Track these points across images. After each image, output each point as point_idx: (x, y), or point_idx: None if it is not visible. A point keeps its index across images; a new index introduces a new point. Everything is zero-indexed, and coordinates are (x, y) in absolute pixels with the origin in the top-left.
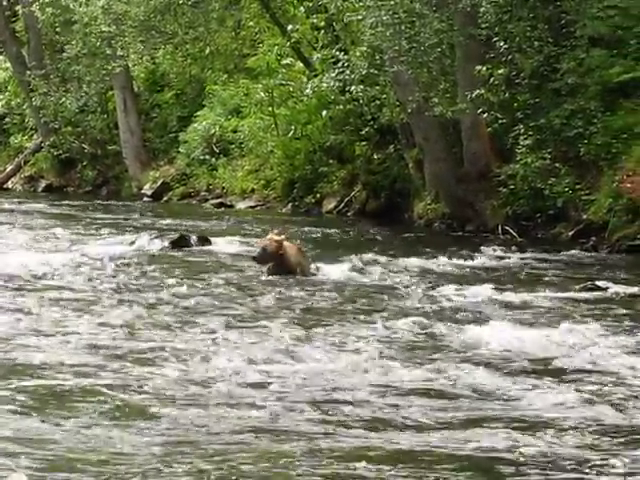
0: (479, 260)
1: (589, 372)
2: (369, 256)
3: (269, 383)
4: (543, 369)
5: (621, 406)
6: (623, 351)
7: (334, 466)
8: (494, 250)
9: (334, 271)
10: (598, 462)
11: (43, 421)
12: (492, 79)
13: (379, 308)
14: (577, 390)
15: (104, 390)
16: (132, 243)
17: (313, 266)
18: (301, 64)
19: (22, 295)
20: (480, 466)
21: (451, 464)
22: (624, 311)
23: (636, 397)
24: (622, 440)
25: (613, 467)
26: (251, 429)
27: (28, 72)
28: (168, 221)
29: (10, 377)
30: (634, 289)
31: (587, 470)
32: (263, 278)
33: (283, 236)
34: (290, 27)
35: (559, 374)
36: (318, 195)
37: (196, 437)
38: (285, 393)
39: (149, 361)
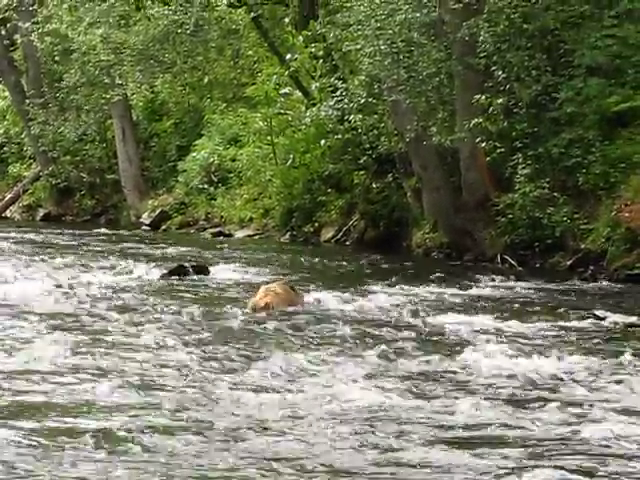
0: (477, 289)
1: (582, 403)
2: (367, 286)
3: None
4: (536, 398)
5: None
6: (620, 382)
7: None
8: (492, 279)
9: (332, 301)
10: None
11: None
12: (490, 108)
13: (374, 338)
14: (567, 420)
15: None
16: (130, 272)
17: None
18: (300, 93)
19: (12, 320)
20: None
21: None
22: (623, 341)
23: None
24: None
25: None
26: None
27: (27, 101)
28: (166, 250)
29: None
30: (633, 319)
31: None
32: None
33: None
34: (289, 56)
35: (551, 403)
36: (316, 224)
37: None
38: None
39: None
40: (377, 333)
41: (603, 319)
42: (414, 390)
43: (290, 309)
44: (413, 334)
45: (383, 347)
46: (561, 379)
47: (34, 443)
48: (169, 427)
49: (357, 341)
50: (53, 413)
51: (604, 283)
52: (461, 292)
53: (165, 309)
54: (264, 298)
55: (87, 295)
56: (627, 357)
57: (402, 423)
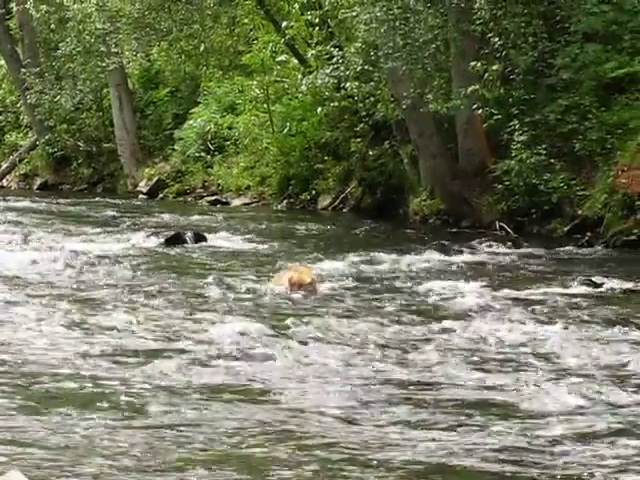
0: (474, 256)
1: (582, 368)
2: (365, 253)
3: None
4: (536, 364)
5: (611, 401)
6: (616, 347)
7: None
8: (489, 246)
9: (330, 268)
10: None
11: None
12: (487, 75)
13: (374, 305)
14: (567, 385)
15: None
16: (128, 240)
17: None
18: (296, 61)
19: (11, 290)
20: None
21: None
22: (619, 307)
23: (624, 390)
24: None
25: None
26: None
27: (23, 70)
28: (164, 218)
29: None
30: (629, 284)
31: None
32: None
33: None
34: (285, 24)
35: (551, 369)
36: (313, 192)
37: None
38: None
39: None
40: (372, 298)
41: (600, 285)
42: (399, 353)
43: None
44: (408, 300)
45: (377, 312)
46: (555, 345)
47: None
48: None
49: (353, 307)
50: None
51: (601, 249)
52: (458, 259)
53: (163, 277)
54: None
55: (84, 264)
56: (623, 323)
57: (376, 383)
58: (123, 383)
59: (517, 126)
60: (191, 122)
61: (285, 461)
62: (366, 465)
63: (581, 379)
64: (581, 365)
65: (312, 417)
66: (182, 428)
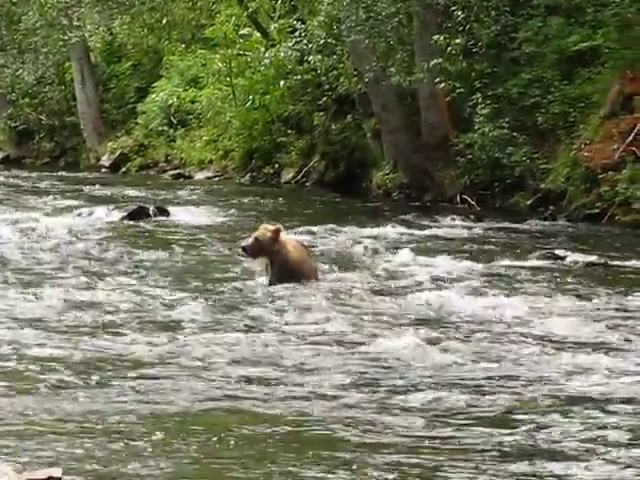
0: (436, 229)
1: (542, 338)
2: (326, 226)
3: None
4: (496, 335)
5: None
6: (577, 318)
7: None
8: (452, 219)
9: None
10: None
11: None
12: (449, 49)
13: (335, 278)
14: (526, 354)
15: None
16: (90, 214)
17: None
18: (259, 34)
19: None
20: None
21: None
22: (581, 279)
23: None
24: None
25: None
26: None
27: None
28: (126, 192)
29: None
30: (592, 257)
31: None
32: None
33: (280, 227)
34: None
35: (511, 339)
36: (276, 165)
37: None
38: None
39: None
40: (333, 271)
41: (563, 258)
42: (359, 324)
43: None
44: (369, 273)
45: (338, 285)
46: (517, 317)
47: None
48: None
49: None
50: None
51: (564, 222)
52: (420, 232)
53: (123, 251)
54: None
55: (46, 238)
56: (583, 295)
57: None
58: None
59: (480, 99)
60: (154, 96)
61: None
62: None
63: (535, 348)
64: (536, 335)
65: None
66: None
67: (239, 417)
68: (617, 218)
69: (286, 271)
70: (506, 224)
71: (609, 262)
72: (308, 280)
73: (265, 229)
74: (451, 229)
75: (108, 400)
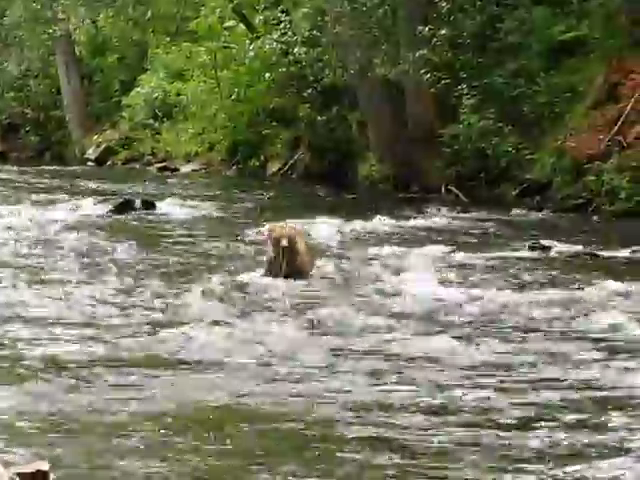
0: (424, 221)
1: (527, 330)
2: (313, 218)
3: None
4: (483, 327)
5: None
6: (562, 309)
7: None
8: (439, 210)
9: None
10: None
11: None
12: (434, 40)
13: (320, 271)
14: (514, 346)
15: None
16: (76, 208)
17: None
18: (243, 26)
19: None
20: None
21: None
22: (567, 270)
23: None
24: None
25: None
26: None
27: None
28: (112, 185)
29: None
30: (578, 248)
31: None
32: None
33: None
34: None
35: (497, 331)
36: (262, 158)
37: None
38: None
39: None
40: (321, 264)
41: (549, 249)
42: (348, 314)
43: None
44: (356, 265)
45: (326, 276)
46: (503, 307)
47: None
48: None
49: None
50: None
51: (550, 213)
52: (407, 223)
53: (110, 244)
54: None
55: (30, 232)
56: (569, 285)
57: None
58: None
59: (465, 90)
60: (139, 89)
61: None
62: None
63: (519, 338)
64: (520, 326)
65: None
66: None
67: (240, 414)
68: (603, 208)
69: (294, 267)
70: (492, 214)
71: (595, 252)
72: (306, 272)
73: (292, 230)
74: (437, 220)
75: (100, 397)
